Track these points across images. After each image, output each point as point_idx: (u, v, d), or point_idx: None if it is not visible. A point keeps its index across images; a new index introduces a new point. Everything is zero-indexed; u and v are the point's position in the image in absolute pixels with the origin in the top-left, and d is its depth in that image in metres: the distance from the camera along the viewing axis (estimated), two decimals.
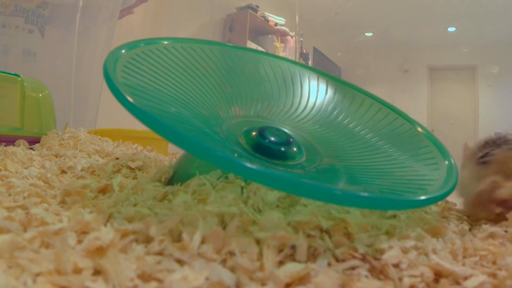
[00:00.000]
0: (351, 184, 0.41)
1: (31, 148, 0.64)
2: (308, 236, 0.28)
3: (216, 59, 0.52)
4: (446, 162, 0.42)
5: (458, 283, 0.25)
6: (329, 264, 0.26)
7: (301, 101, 0.55)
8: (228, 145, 0.40)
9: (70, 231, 0.26)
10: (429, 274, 0.25)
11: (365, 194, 0.30)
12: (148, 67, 0.42)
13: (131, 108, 0.31)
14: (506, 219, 0.37)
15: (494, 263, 0.29)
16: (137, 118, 0.30)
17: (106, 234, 0.25)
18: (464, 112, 3.50)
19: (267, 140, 0.43)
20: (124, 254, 0.24)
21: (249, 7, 2.47)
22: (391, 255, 0.26)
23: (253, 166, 0.28)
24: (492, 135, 0.45)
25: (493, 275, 0.26)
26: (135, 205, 0.33)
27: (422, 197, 0.32)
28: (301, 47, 2.91)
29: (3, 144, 0.61)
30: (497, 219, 0.40)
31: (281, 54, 2.58)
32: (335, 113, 0.54)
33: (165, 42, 0.48)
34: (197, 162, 0.43)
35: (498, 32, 3.11)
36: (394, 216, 0.36)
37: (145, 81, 0.40)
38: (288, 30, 2.75)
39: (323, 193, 0.28)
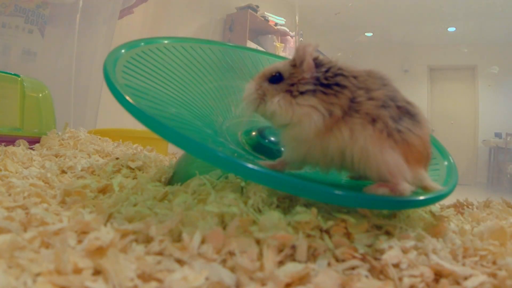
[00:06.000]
0: (349, 185, 0.41)
1: (31, 148, 0.64)
2: (308, 236, 0.28)
3: (216, 59, 0.52)
4: (446, 162, 0.42)
5: (458, 283, 0.25)
6: (329, 264, 0.26)
7: None
8: (228, 145, 0.40)
9: (70, 231, 0.26)
10: (429, 274, 0.25)
11: (365, 194, 0.30)
12: (148, 67, 0.42)
13: (130, 108, 0.31)
14: None
15: (494, 263, 0.29)
16: (136, 118, 0.30)
17: (106, 234, 0.25)
18: (464, 112, 3.49)
19: (267, 140, 0.43)
20: (124, 254, 0.24)
21: (249, 7, 2.47)
22: (391, 255, 0.26)
23: (253, 167, 0.28)
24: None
25: (493, 275, 0.26)
26: (135, 205, 0.33)
27: (422, 197, 0.32)
28: None
29: (3, 144, 0.61)
30: None
31: (281, 54, 2.58)
32: None
33: (165, 42, 0.48)
34: (197, 162, 0.43)
35: (498, 32, 3.11)
36: (394, 216, 0.36)
37: (145, 81, 0.40)
38: (288, 30, 2.74)
39: (323, 193, 0.28)
